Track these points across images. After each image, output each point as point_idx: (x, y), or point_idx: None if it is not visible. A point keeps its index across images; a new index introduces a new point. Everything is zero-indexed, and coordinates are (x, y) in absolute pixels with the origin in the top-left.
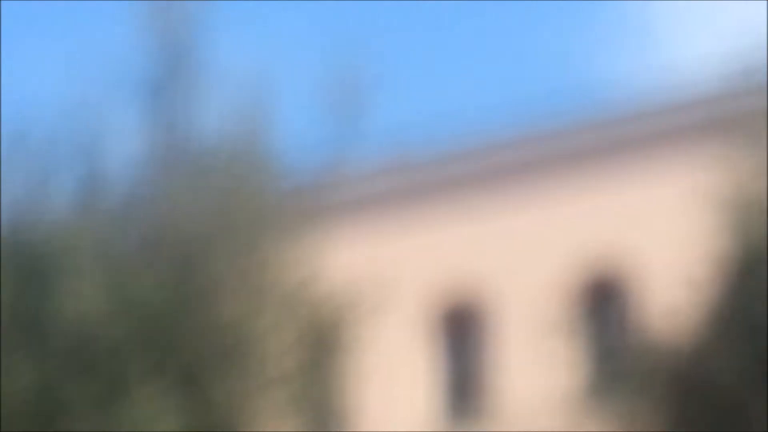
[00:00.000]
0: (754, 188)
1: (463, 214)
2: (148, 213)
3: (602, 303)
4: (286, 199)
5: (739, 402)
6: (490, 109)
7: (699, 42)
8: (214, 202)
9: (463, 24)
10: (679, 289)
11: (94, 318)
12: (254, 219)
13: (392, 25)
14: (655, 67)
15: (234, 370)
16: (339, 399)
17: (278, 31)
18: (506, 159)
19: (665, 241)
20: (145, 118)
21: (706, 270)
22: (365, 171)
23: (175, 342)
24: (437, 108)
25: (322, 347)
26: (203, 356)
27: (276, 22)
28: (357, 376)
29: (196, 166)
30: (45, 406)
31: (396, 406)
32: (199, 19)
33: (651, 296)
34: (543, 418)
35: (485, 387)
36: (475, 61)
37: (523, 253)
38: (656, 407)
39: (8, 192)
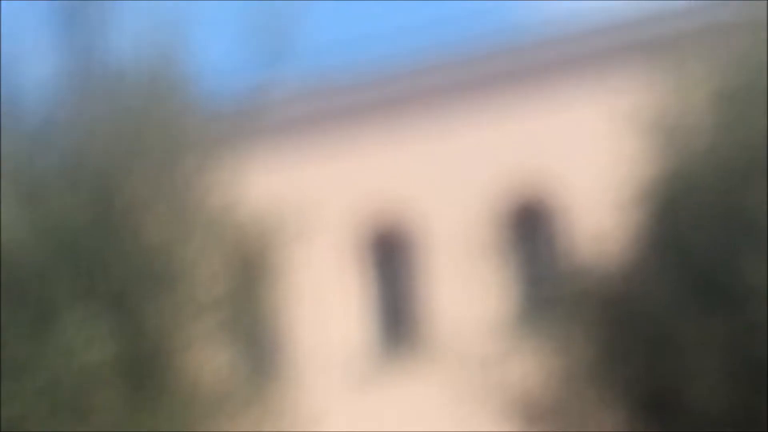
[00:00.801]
0: (676, 111)
1: (388, 139)
2: (65, 135)
3: (529, 227)
4: (207, 122)
5: (668, 326)
6: (413, 33)
7: None
8: (132, 124)
9: None
10: (605, 212)
11: (16, 243)
12: (174, 141)
13: None
14: None
15: (163, 294)
16: (269, 324)
17: None
18: (430, 83)
19: (590, 164)
20: (61, 40)
21: (632, 193)
22: (289, 94)
23: (101, 266)
24: (359, 31)
25: (250, 271)
26: (131, 280)
27: None
28: (286, 300)
29: (113, 88)
30: None
31: (327, 331)
32: None
33: (578, 220)
34: (475, 344)
35: (416, 312)
36: None
37: (449, 178)
38: (586, 331)
39: None
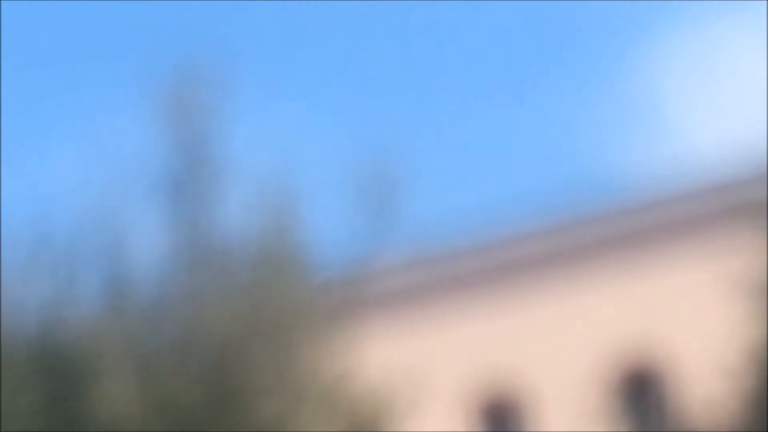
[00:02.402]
0: None
1: (497, 307)
2: (176, 313)
3: (638, 393)
4: (317, 294)
5: None
6: (513, 202)
7: (709, 129)
8: (243, 299)
9: (476, 117)
10: (715, 377)
11: (128, 421)
12: (286, 316)
13: (410, 119)
14: (667, 156)
15: None
16: None
17: (300, 121)
18: (536, 249)
19: (698, 328)
20: (168, 216)
21: (740, 358)
22: (396, 265)
23: None
24: (460, 202)
25: None
26: None
27: (296, 112)
28: None
29: (222, 263)
30: None
31: None
32: (217, 111)
33: (686, 386)
34: None
35: None
36: (492, 155)
37: (556, 345)
38: None
39: (35, 296)
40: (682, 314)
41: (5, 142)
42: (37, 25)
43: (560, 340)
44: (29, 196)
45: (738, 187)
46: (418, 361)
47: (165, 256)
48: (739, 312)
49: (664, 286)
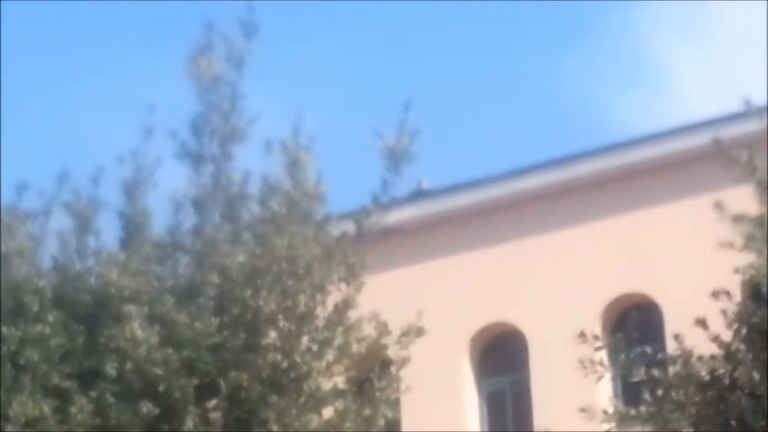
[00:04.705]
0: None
1: (495, 243)
2: (192, 254)
3: (631, 319)
4: (327, 229)
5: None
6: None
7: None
8: (258, 241)
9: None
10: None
11: (146, 356)
12: (300, 256)
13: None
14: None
15: (281, 389)
16: (386, 415)
17: (318, 73)
18: (530, 187)
19: (688, 257)
20: (187, 157)
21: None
22: (402, 201)
23: (222, 371)
24: (465, 145)
25: (368, 367)
26: (251, 378)
27: (315, 65)
28: (402, 395)
29: (240, 206)
30: (105, 428)
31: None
32: (240, 62)
33: (679, 309)
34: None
35: (524, 402)
36: (501, 103)
37: (553, 280)
38: (688, 415)
39: (55, 234)
40: (673, 244)
41: (38, 91)
42: None
43: (558, 274)
44: (57, 141)
45: (728, 121)
46: (425, 297)
47: (181, 194)
48: (727, 240)
49: (654, 220)
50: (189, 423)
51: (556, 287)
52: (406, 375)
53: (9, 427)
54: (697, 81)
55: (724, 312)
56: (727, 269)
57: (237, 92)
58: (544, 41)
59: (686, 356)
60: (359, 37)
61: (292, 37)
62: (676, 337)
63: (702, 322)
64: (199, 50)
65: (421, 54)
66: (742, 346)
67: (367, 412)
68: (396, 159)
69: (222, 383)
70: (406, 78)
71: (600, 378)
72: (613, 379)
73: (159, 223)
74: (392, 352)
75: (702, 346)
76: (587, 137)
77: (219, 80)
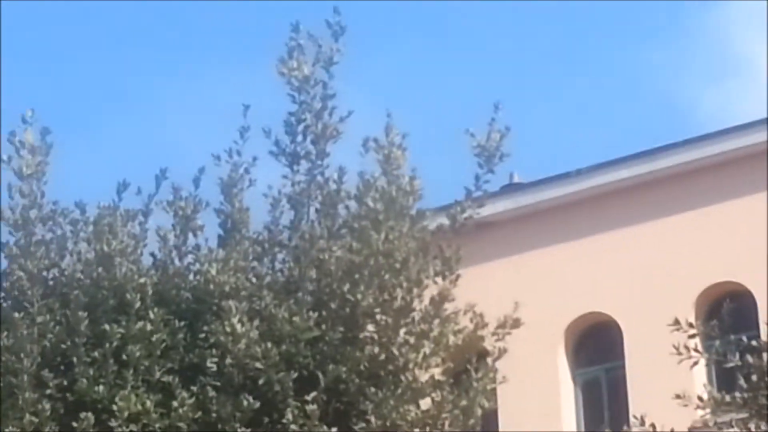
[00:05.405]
0: None
1: (585, 237)
2: (289, 250)
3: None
4: (422, 226)
5: None
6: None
7: None
8: (355, 236)
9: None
10: None
11: (247, 352)
12: (398, 252)
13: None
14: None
15: (379, 381)
16: (482, 407)
17: (406, 73)
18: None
19: None
20: (283, 156)
21: None
22: (493, 196)
23: (320, 360)
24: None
25: (465, 359)
26: (349, 371)
27: (403, 65)
28: (498, 387)
29: (336, 202)
30: (207, 422)
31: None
32: (330, 62)
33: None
34: (675, 417)
35: (619, 394)
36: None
37: (643, 275)
38: None
39: (156, 234)
40: (760, 236)
41: (127, 94)
42: None
43: (650, 264)
44: (155, 144)
45: None
46: (519, 292)
47: (277, 192)
48: None
49: (738, 212)
50: (288, 416)
51: (649, 277)
52: (503, 366)
53: (113, 422)
54: None
55: None
56: None
57: (327, 91)
58: (632, 37)
59: None
60: (445, 36)
61: (381, 37)
62: None
63: None
64: (288, 51)
65: (510, 51)
66: None
67: (464, 402)
68: (488, 156)
69: (321, 376)
70: (496, 76)
71: (695, 364)
72: (707, 365)
73: (256, 221)
74: (488, 344)
75: None
76: (675, 130)
77: (309, 80)
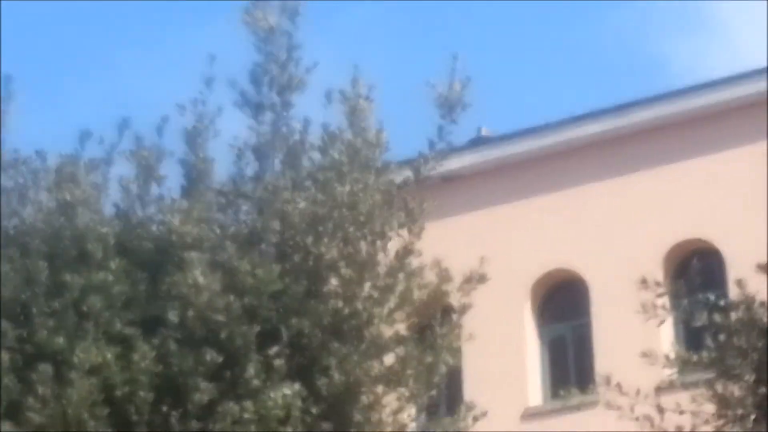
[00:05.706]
0: None
1: (551, 190)
2: (253, 203)
3: (690, 265)
4: (385, 176)
5: None
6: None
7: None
8: (320, 189)
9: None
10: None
11: (208, 303)
12: (360, 203)
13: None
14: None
15: (342, 336)
16: (446, 363)
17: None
18: (588, 135)
19: (746, 205)
20: (249, 109)
21: None
22: (458, 148)
23: (284, 318)
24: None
25: (428, 314)
26: (312, 325)
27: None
28: (462, 343)
29: (300, 155)
30: (168, 375)
31: (499, 369)
32: (296, 14)
33: (742, 255)
34: (640, 376)
35: (584, 349)
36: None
37: (611, 228)
38: (750, 360)
39: (118, 182)
40: (736, 191)
41: (106, 47)
42: None
43: (618, 220)
44: (118, 94)
45: None
46: (484, 244)
47: (242, 142)
48: None
49: (710, 168)
50: (251, 370)
51: (616, 233)
52: (468, 322)
53: (72, 374)
54: (754, 31)
55: None
56: None
57: (293, 42)
58: None
59: (749, 302)
60: None
61: None
62: (738, 283)
63: (764, 268)
64: (253, 1)
65: (476, 7)
66: None
67: (428, 359)
68: (450, 107)
69: (283, 330)
70: (460, 30)
71: (662, 322)
72: (675, 325)
73: (220, 171)
74: (454, 299)
75: (764, 292)
76: (644, 84)
77: (275, 31)
